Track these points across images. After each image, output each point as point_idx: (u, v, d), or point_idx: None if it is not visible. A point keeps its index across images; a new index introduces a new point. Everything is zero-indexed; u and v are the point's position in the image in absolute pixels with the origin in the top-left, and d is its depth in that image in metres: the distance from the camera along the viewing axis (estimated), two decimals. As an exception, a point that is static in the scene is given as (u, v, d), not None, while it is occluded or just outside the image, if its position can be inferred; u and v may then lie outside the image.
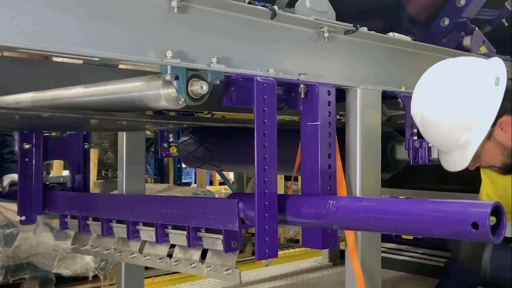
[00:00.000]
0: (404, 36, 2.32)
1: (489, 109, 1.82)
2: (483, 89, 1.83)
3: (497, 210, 1.42)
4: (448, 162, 1.94)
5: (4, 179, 2.95)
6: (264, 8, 1.75)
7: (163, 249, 2.17)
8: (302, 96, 1.82)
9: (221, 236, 1.87)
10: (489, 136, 1.84)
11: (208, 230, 1.92)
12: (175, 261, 2.10)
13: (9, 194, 2.89)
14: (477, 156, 1.87)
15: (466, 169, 2.41)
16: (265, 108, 1.66)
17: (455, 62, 1.96)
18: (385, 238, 3.98)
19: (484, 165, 1.97)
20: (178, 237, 2.02)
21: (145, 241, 2.22)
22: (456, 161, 1.89)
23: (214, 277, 2.19)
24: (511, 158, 1.93)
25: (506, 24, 3.03)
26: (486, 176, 2.51)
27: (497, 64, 1.91)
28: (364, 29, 2.05)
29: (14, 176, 2.76)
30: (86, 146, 2.71)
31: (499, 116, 1.83)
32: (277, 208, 1.70)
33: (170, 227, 2.05)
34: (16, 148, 2.80)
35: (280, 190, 5.45)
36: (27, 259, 4.61)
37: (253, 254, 4.83)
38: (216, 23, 1.63)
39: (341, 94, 2.03)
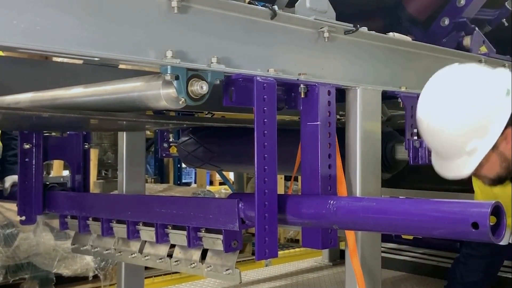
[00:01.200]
0: (404, 36, 2.32)
1: (500, 117, 1.81)
2: (495, 97, 1.82)
3: (497, 210, 1.42)
4: (448, 169, 1.92)
5: (6, 180, 2.95)
6: (264, 8, 1.75)
7: (163, 249, 2.17)
8: (302, 96, 1.82)
9: (221, 236, 1.87)
10: (493, 146, 1.84)
11: (208, 230, 1.91)
12: (175, 261, 2.10)
13: (10, 195, 2.90)
14: (478, 165, 1.86)
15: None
16: (265, 108, 1.66)
17: (465, 67, 1.94)
18: (385, 238, 3.99)
19: (479, 175, 1.96)
20: (178, 237, 2.02)
21: (145, 241, 2.22)
22: (458, 168, 1.87)
23: (214, 277, 2.19)
24: (506, 171, 1.93)
25: (506, 24, 3.03)
26: (478, 187, 2.51)
27: (506, 74, 1.91)
28: (364, 29, 2.04)
29: (16, 178, 2.76)
30: (86, 146, 2.71)
31: (505, 127, 1.83)
32: (277, 208, 1.70)
33: (170, 227, 2.04)
34: (19, 149, 2.79)
35: (280, 190, 5.44)
36: (27, 259, 4.61)
37: (253, 254, 4.83)
38: (216, 23, 1.63)
39: (341, 94, 2.03)
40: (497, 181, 1.94)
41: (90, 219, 2.40)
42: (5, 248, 4.45)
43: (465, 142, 1.81)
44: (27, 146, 2.58)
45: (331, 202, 1.67)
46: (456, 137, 1.82)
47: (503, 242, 2.40)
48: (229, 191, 7.39)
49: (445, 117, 1.83)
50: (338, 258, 4.23)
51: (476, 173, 1.92)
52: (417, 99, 2.23)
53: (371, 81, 2.10)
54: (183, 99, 1.50)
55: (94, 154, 6.13)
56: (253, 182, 4.63)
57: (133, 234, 2.20)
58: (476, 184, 2.52)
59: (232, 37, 1.67)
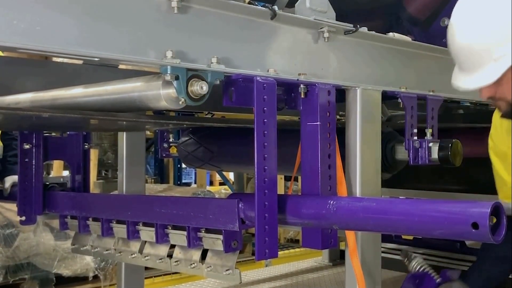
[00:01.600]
0: (404, 36, 2.32)
1: None
2: None
3: (497, 210, 1.42)
4: (471, 80, 1.87)
5: (6, 180, 2.95)
6: (264, 8, 1.75)
7: (163, 249, 2.17)
8: (302, 96, 1.82)
9: (221, 236, 1.87)
10: None
11: (208, 230, 1.92)
12: (175, 261, 2.10)
13: (10, 195, 2.90)
14: (499, 81, 1.84)
15: (466, 168, 2.38)
16: (265, 108, 1.66)
17: None
18: (385, 238, 3.99)
19: (498, 96, 1.94)
20: (178, 237, 2.02)
21: (145, 241, 2.22)
22: (482, 77, 1.83)
23: (214, 277, 2.19)
24: None
25: (506, 24, 3.03)
26: (494, 155, 2.46)
27: None
28: (364, 29, 2.04)
29: (16, 178, 2.76)
30: (86, 146, 2.71)
31: None
32: (277, 208, 1.70)
33: (170, 227, 2.05)
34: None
35: (280, 190, 5.45)
36: (27, 259, 4.61)
37: (253, 254, 4.83)
38: (216, 23, 1.63)
39: (341, 94, 2.03)
40: None
41: (90, 219, 2.40)
42: (5, 248, 4.46)
43: (494, 46, 1.79)
44: (27, 146, 2.58)
45: (331, 202, 1.67)
46: (485, 41, 1.79)
47: None
48: (229, 191, 7.40)
49: (478, 19, 1.81)
50: (338, 258, 4.23)
51: (496, 94, 1.89)
52: (417, 99, 2.24)
53: (371, 81, 2.10)
54: (183, 99, 1.50)
55: (94, 154, 6.14)
56: (253, 182, 4.63)
57: (133, 234, 2.20)
58: (493, 151, 2.47)
59: (232, 37, 1.67)
